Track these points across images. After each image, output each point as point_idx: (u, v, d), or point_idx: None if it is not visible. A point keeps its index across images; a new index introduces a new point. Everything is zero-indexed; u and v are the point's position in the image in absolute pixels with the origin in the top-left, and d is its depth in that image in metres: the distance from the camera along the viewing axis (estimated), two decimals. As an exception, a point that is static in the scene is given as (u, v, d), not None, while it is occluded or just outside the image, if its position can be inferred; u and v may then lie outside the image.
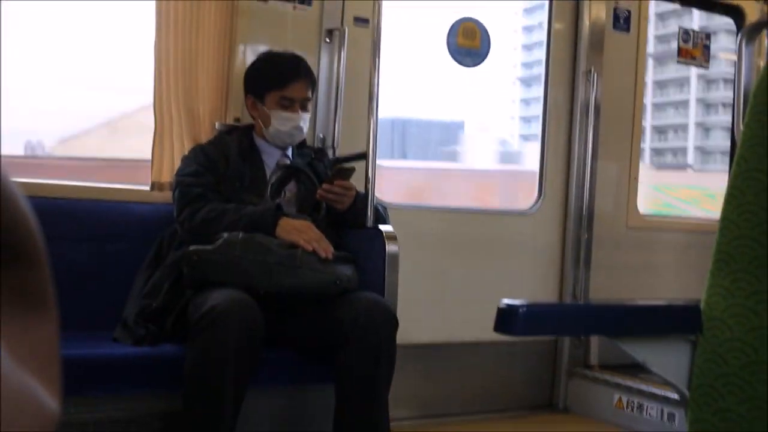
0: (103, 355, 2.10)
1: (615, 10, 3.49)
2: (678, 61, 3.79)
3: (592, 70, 3.39)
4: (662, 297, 3.33)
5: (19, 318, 0.39)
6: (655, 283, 3.52)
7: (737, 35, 3.69)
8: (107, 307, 2.31)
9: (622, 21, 3.51)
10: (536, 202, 3.45)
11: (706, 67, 3.88)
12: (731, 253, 1.39)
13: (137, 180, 2.76)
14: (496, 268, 3.32)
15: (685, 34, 3.71)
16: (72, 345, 1.98)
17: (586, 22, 3.43)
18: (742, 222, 1.38)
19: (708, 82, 26.57)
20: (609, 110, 3.46)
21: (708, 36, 3.77)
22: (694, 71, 19.73)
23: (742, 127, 1.49)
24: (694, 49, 3.73)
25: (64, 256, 2.33)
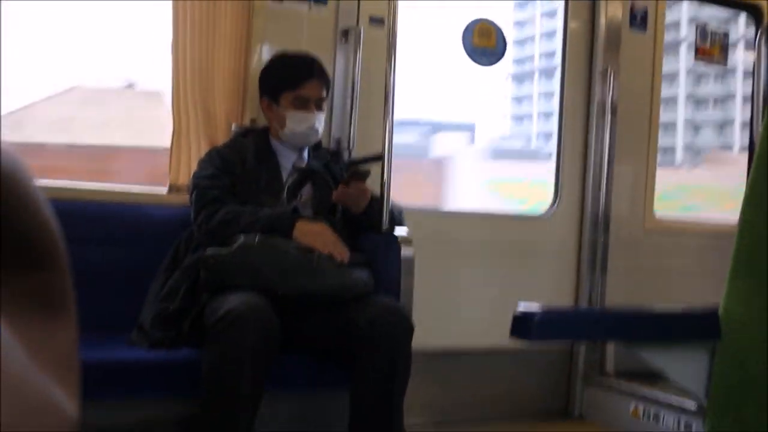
0: (119, 359, 2.11)
1: (631, 8, 3.47)
2: (696, 60, 3.76)
3: (609, 69, 3.37)
4: (680, 302, 3.30)
5: (39, 322, 0.39)
6: (672, 287, 3.49)
7: (756, 33, 3.66)
8: (124, 310, 2.32)
9: (638, 20, 3.49)
10: (552, 205, 3.43)
11: (725, 66, 3.85)
12: (750, 257, 1.37)
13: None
14: (511, 273, 3.30)
15: (703, 33, 3.68)
16: (88, 348, 1.98)
17: (602, 21, 3.42)
18: (761, 225, 1.36)
19: (698, 77, 26.10)
20: (626, 111, 3.44)
21: (726, 35, 3.74)
22: (682, 65, 19.47)
23: (760, 127, 1.47)
24: (711, 48, 3.70)
25: (81, 259, 2.34)
